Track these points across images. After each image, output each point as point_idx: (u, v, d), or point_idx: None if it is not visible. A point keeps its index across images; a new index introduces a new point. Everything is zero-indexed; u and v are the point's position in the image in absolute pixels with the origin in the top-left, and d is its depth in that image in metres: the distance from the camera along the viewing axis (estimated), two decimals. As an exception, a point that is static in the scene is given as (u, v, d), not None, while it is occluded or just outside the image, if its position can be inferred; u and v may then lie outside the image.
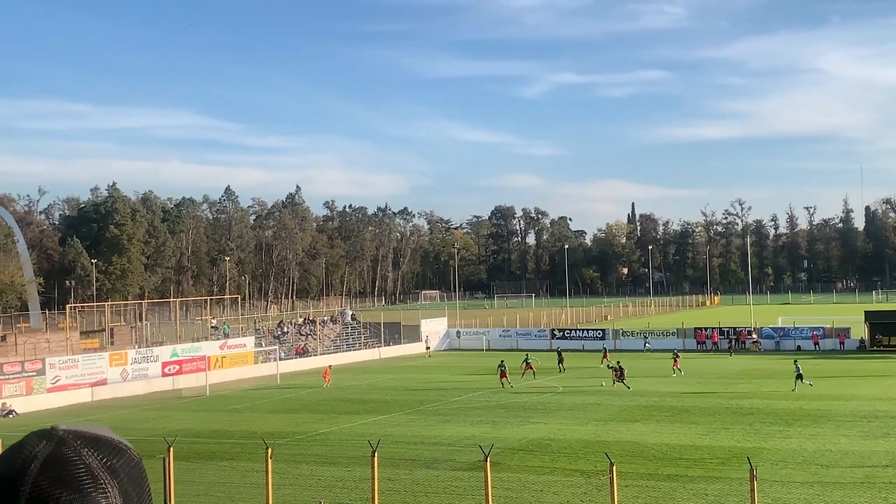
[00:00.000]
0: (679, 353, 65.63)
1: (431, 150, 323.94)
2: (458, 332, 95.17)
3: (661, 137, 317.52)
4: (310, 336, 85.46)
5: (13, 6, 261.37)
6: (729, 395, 51.42)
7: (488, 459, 22.89)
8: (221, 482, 32.79)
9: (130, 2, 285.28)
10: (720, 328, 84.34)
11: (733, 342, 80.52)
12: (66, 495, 1.61)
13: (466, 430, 42.16)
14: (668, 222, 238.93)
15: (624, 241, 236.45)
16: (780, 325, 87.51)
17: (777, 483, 29.36)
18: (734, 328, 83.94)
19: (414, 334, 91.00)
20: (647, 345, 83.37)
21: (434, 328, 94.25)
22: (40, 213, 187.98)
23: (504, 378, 58.19)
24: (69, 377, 61.47)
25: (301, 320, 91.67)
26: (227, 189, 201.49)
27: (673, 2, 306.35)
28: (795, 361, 55.15)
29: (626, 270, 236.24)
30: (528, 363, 62.28)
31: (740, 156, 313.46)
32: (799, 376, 52.35)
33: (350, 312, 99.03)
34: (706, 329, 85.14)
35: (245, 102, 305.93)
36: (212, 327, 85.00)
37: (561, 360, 67.29)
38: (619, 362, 59.56)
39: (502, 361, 60.81)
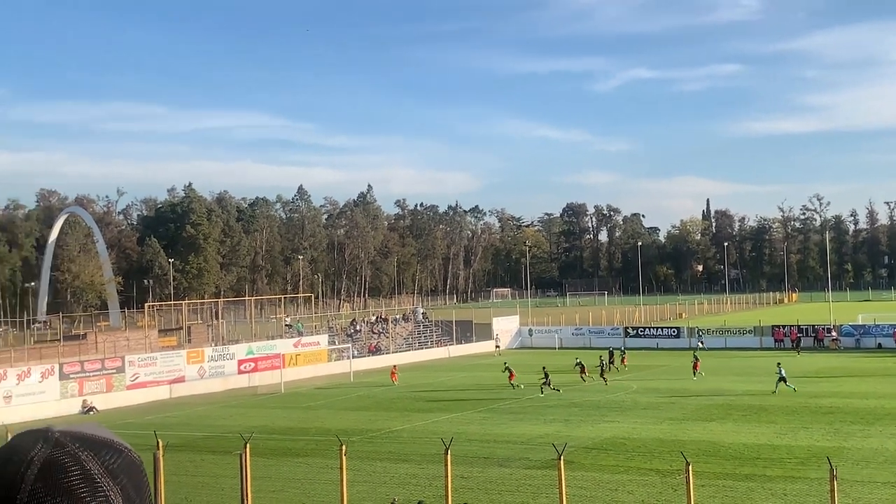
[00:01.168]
0: (699, 356, 62.49)
1: (503, 148, 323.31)
2: (529, 331, 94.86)
3: (737, 132, 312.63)
4: (382, 334, 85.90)
5: (94, 17, 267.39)
6: (808, 394, 50.43)
7: (562, 458, 22.73)
8: (297, 478, 33.11)
9: (204, 9, 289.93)
10: (798, 326, 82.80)
11: (798, 341, 78.07)
12: (70, 500, 1.54)
13: (539, 429, 41.99)
14: (744, 218, 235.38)
15: (699, 237, 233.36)
16: (860, 323, 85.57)
17: (858, 483, 28.73)
18: (812, 326, 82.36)
19: (485, 332, 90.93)
20: (701, 343, 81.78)
21: (505, 326, 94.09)
22: (119, 213, 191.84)
23: (511, 379, 57.29)
24: (148, 374, 62.62)
25: (373, 318, 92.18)
26: (300, 188, 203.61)
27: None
28: (778, 364, 53.77)
29: (701, 268, 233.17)
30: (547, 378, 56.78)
31: (818, 150, 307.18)
32: (781, 378, 51.30)
33: (422, 311, 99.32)
34: (784, 327, 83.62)
35: (318, 103, 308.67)
36: (286, 325, 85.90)
37: (611, 361, 64.49)
38: (505, 363, 60.29)
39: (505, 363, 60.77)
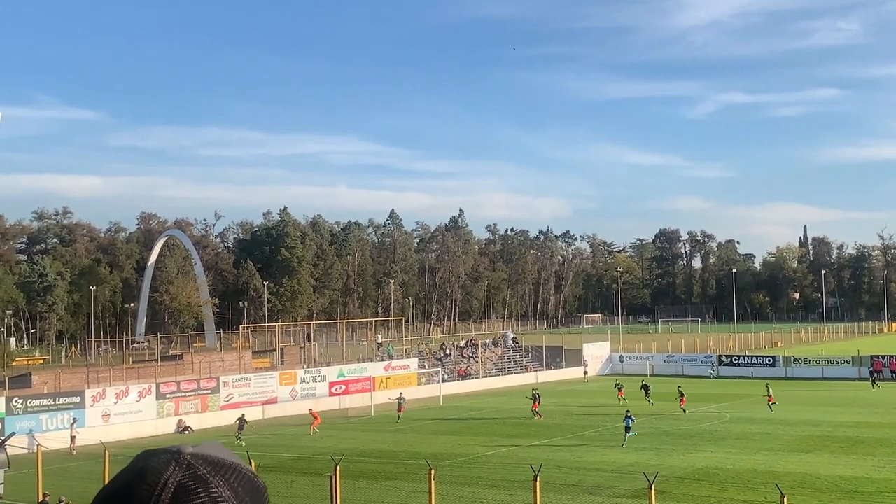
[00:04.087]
0: (770, 387, 58.61)
1: (595, 173, 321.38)
2: (620, 357, 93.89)
3: (836, 158, 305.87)
4: (472, 358, 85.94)
5: (192, 41, 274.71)
6: (909, 427, 48.86)
7: (653, 487, 22.47)
8: (386, 501, 33.31)
9: (298, 36, 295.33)
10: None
11: (873, 374, 74.04)
12: None
13: (630, 457, 41.51)
14: (842, 246, 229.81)
15: (795, 265, 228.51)
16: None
17: (963, 521, 27.72)
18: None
19: (575, 358, 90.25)
20: (712, 371, 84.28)
21: (596, 352, 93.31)
22: (216, 236, 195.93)
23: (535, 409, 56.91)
24: (242, 395, 63.67)
25: (463, 342, 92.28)
26: (392, 213, 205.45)
27: (847, 18, 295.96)
28: (767, 384, 53.87)
29: (797, 295, 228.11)
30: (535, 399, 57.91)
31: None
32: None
33: (511, 335, 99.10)
34: (884, 357, 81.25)
35: (410, 128, 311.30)
36: (377, 344, 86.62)
37: (647, 393, 62.44)
38: (534, 389, 60.20)
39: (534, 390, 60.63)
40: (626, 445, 44.12)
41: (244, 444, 47.23)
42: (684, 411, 56.70)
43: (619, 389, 63.35)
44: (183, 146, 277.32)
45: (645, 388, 63.02)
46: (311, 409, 59.07)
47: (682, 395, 58.13)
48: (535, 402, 57.57)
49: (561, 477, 36.01)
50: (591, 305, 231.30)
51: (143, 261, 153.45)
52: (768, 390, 58.13)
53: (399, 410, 58.04)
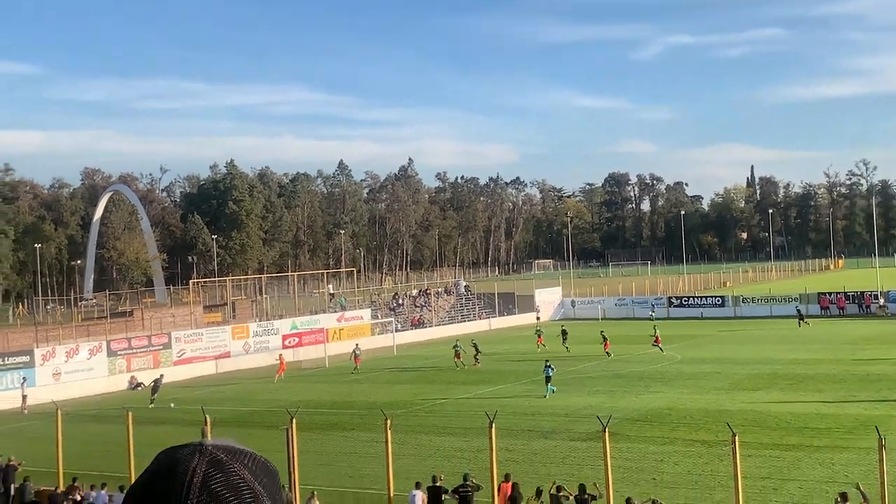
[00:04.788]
0: (606, 335, 59.01)
1: (543, 119, 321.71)
2: (572, 302, 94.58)
3: (781, 98, 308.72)
4: (424, 307, 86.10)
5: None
6: (855, 362, 49.88)
7: (606, 430, 22.67)
8: (343, 452, 33.37)
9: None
10: (844, 292, 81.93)
11: (799, 313, 73.25)
12: (234, 503, 1.72)
13: (583, 400, 41.94)
14: (788, 185, 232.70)
15: (743, 205, 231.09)
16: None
17: (908, 453, 28.32)
18: (860, 293, 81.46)
19: (528, 304, 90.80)
20: (652, 314, 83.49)
21: (548, 298, 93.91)
22: (162, 191, 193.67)
23: (458, 359, 56.35)
24: (194, 350, 63.29)
25: (416, 292, 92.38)
26: (341, 163, 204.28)
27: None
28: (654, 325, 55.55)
29: (745, 235, 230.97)
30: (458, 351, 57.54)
31: (864, 114, 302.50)
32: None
33: (464, 283, 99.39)
34: (830, 294, 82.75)
35: (357, 77, 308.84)
36: (329, 294, 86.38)
37: (565, 338, 61.36)
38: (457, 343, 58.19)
39: (457, 342, 58.96)
40: (549, 395, 43.14)
41: (151, 405, 46.13)
42: (608, 355, 56.77)
43: (539, 336, 63.36)
44: (125, 99, 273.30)
45: (563, 333, 62.41)
46: (280, 355, 59.51)
47: (606, 339, 57.84)
48: (457, 355, 56.58)
49: (516, 422, 36.21)
50: (542, 251, 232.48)
51: (88, 217, 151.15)
52: (655, 331, 59.02)
53: (356, 361, 57.89)
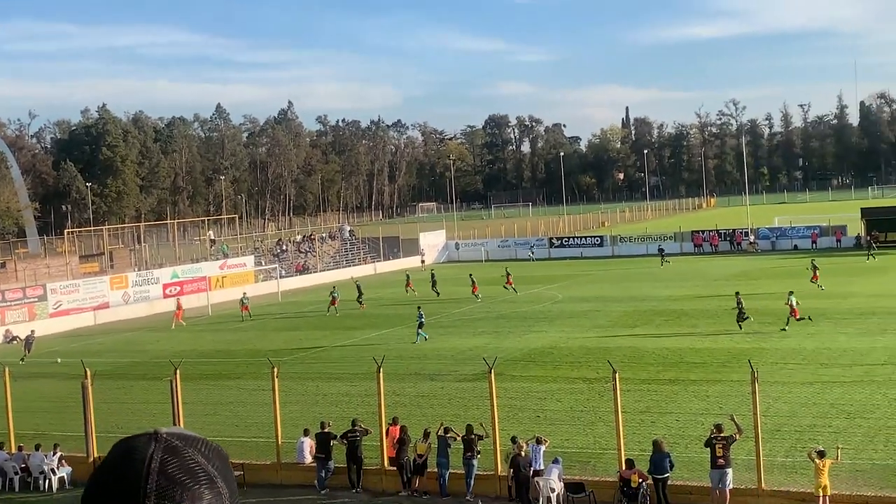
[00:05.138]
0: (510, 272, 60.70)
1: (423, 61, 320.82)
2: (456, 245, 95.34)
3: (654, 39, 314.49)
4: (309, 253, 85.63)
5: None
6: (727, 297, 51.48)
7: (492, 371, 23.12)
8: (228, 402, 33.22)
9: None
10: (717, 230, 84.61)
11: (661, 252, 75.56)
12: (191, 486, 1.81)
13: (469, 342, 42.56)
14: (662, 125, 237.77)
15: (619, 146, 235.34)
16: (776, 226, 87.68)
17: (777, 384, 29.70)
18: (732, 230, 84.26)
19: (413, 248, 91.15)
20: (531, 254, 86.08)
21: (432, 241, 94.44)
22: (31, 136, 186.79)
23: (333, 305, 56.18)
24: (71, 302, 61.74)
25: (300, 237, 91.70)
26: (219, 107, 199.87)
27: None
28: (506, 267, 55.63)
29: (622, 176, 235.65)
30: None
31: (734, 55, 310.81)
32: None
33: (348, 228, 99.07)
34: (703, 232, 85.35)
35: (232, 17, 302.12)
36: (210, 241, 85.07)
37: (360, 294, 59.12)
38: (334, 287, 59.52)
39: (334, 288, 59.46)
40: (420, 341, 42.98)
41: (22, 362, 43.75)
42: (477, 297, 57.58)
43: (408, 280, 63.71)
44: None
45: (432, 277, 63.15)
46: (178, 300, 59.60)
47: (474, 282, 58.37)
48: (333, 301, 56.36)
49: (403, 365, 36.60)
50: (425, 194, 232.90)
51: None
52: (507, 273, 60.15)
53: (244, 310, 57.01)
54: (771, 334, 39.43)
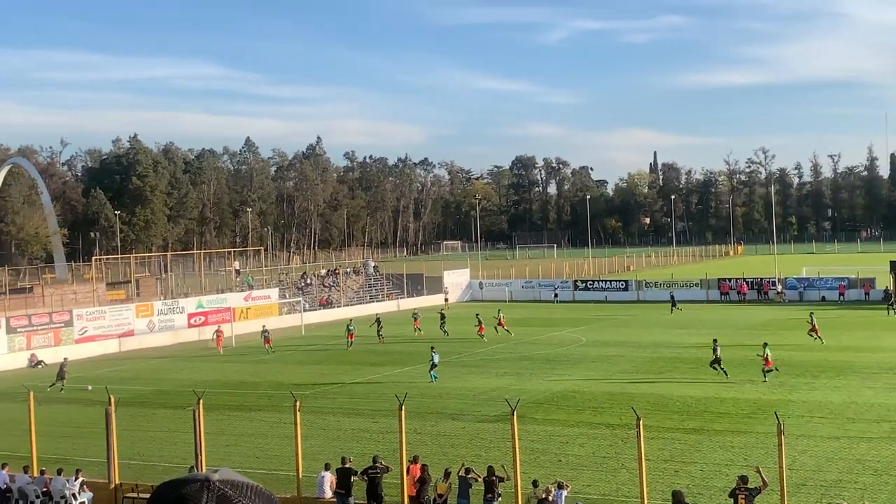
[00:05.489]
0: (502, 313, 61.92)
1: (450, 100, 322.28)
2: (480, 284, 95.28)
3: (684, 84, 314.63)
4: (333, 287, 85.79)
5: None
6: (754, 347, 51.12)
7: (515, 413, 22.99)
8: (250, 433, 33.17)
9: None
10: (744, 278, 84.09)
11: (672, 299, 74.85)
12: None
13: (491, 383, 42.38)
14: (690, 171, 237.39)
15: (646, 190, 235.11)
16: (804, 276, 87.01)
17: (803, 437, 29.38)
18: (759, 279, 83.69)
19: (436, 285, 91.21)
20: (556, 296, 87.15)
21: (456, 279, 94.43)
22: (63, 164, 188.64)
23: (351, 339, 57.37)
24: (96, 328, 62.05)
25: (324, 272, 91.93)
26: (248, 140, 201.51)
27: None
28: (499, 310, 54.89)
29: (648, 220, 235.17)
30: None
31: (764, 103, 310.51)
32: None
33: (373, 264, 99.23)
34: (730, 280, 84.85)
35: (264, 52, 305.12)
36: (235, 271, 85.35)
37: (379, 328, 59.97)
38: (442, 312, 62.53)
39: (350, 321, 61.35)
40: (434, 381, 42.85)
41: (52, 389, 43.60)
42: (508, 332, 58.99)
43: (416, 319, 63.75)
44: (23, 70, 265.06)
45: (441, 316, 63.32)
46: (219, 328, 60.96)
47: (480, 322, 58.33)
48: (350, 335, 57.45)
49: (424, 403, 36.52)
50: (450, 232, 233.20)
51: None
52: (499, 314, 61.08)
53: (266, 343, 57.10)
54: (798, 386, 39.05)
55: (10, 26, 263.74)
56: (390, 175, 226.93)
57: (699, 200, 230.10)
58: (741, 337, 54.96)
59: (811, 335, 51.38)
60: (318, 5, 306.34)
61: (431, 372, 43.56)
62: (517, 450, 23.12)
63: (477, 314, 60.82)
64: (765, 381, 40.02)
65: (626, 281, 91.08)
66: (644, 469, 21.54)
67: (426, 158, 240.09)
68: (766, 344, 42.07)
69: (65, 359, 49.59)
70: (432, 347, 46.24)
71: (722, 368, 41.12)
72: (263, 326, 59.54)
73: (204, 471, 1.91)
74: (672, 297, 75.55)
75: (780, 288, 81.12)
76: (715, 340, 43.31)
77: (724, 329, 60.47)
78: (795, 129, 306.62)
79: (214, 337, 60.57)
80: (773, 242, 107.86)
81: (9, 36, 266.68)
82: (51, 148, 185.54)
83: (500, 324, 59.85)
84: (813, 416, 33.09)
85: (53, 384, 44.65)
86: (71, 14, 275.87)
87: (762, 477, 20.89)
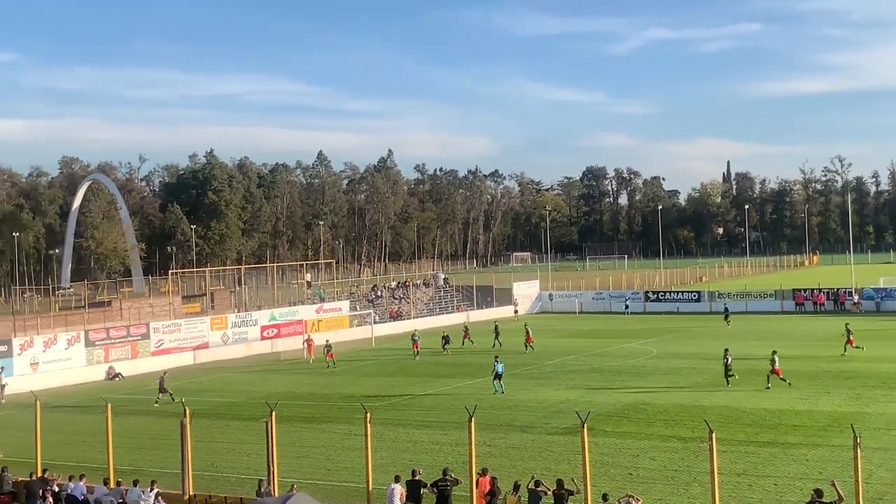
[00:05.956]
0: (529, 329, 60.68)
1: (521, 111, 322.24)
2: (550, 295, 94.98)
3: (758, 93, 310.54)
4: (403, 300, 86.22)
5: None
6: (829, 359, 50.42)
7: (585, 425, 22.87)
8: (321, 445, 33.45)
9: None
10: (819, 288, 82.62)
11: (726, 311, 74.58)
12: None
13: (561, 395, 42.21)
14: (764, 180, 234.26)
15: (719, 200, 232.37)
16: (881, 286, 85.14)
17: (880, 450, 28.76)
18: (835, 289, 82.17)
19: (506, 297, 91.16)
20: (626, 307, 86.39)
21: (525, 291, 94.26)
22: (141, 180, 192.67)
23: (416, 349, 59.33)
24: (172, 341, 63.17)
25: (394, 284, 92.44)
26: (320, 154, 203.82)
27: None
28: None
29: (721, 230, 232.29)
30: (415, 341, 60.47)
31: (841, 110, 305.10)
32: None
33: (442, 276, 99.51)
34: (805, 290, 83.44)
35: (336, 67, 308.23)
36: (307, 283, 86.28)
37: (497, 335, 62.53)
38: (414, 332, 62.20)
39: (415, 332, 62.94)
40: (499, 392, 42.76)
41: (174, 399, 44.15)
42: (532, 348, 58.84)
43: (466, 332, 64.35)
44: (102, 87, 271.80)
45: (496, 329, 63.61)
46: (309, 337, 62.42)
47: (528, 332, 59.70)
48: (415, 344, 59.37)
49: (494, 416, 36.52)
50: (520, 244, 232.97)
51: (66, 206, 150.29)
52: (527, 329, 60.21)
53: (328, 356, 57.18)
54: (875, 398, 38.23)
55: (93, 45, 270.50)
56: (460, 187, 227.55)
57: (773, 210, 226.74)
58: (816, 349, 53.98)
59: (847, 347, 51.17)
60: (390, 20, 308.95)
61: (494, 382, 43.55)
62: (587, 463, 22.97)
63: (525, 324, 62.14)
64: (768, 387, 41.12)
65: (698, 292, 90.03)
66: (717, 483, 21.26)
67: (496, 170, 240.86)
68: (774, 352, 43.31)
69: (164, 372, 49.18)
70: (496, 357, 46.22)
71: (770, 378, 41.93)
72: (327, 341, 59.84)
73: (277, 496, 1.98)
74: (726, 309, 75.27)
75: (856, 298, 79.56)
76: (726, 350, 44.81)
77: (799, 340, 59.59)
78: (873, 137, 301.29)
79: (305, 345, 62.07)
80: (849, 252, 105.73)
81: (92, 54, 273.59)
82: (129, 164, 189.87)
83: (528, 340, 59.62)
84: (890, 428, 32.36)
85: (158, 399, 44.79)
86: (148, 31, 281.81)
87: (838, 491, 20.49)
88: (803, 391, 40.62)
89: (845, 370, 46.18)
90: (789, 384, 41.16)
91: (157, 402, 44.70)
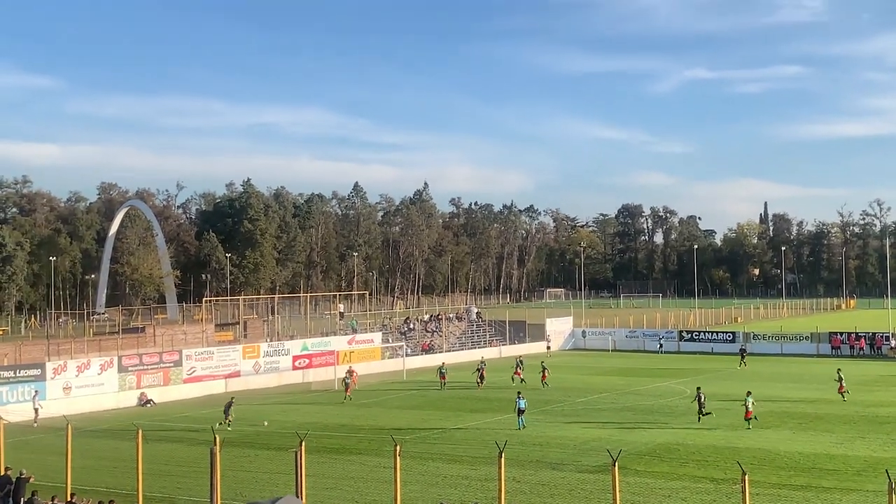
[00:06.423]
0: (546, 366, 61.79)
1: (559, 148, 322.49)
2: (583, 332, 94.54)
3: (797, 135, 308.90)
4: (435, 333, 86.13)
5: (151, 9, 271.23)
6: (866, 403, 49.74)
7: (616, 463, 22.65)
8: (350, 476, 33.37)
9: (255, 3, 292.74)
10: (856, 332, 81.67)
11: (742, 352, 74.19)
12: None
13: (592, 432, 41.89)
14: (802, 222, 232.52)
15: (755, 241, 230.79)
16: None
17: (917, 497, 28.20)
18: (871, 333, 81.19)
19: (538, 333, 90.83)
20: (660, 346, 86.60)
21: (559, 327, 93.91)
22: (178, 207, 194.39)
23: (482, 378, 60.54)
24: (204, 368, 63.40)
25: (427, 317, 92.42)
26: (356, 185, 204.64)
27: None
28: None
29: (757, 271, 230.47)
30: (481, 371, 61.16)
31: (880, 154, 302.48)
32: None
33: (475, 310, 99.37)
34: (842, 334, 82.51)
35: (374, 100, 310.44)
36: (339, 313, 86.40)
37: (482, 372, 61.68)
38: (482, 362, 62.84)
39: (443, 364, 64.35)
40: (521, 427, 42.82)
41: (229, 427, 44.92)
42: (547, 385, 59.46)
43: (518, 368, 62.56)
44: (142, 115, 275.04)
45: (519, 363, 63.58)
46: (351, 368, 61.03)
47: (545, 369, 60.96)
48: (442, 377, 61.13)
49: (524, 452, 36.30)
50: (553, 280, 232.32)
51: (103, 231, 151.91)
52: (543, 367, 61.16)
53: (347, 390, 56.66)
54: (912, 445, 37.61)
55: (134, 72, 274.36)
56: (495, 221, 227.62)
57: (810, 252, 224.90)
58: (852, 392, 53.16)
59: (841, 394, 50.73)
60: (429, 54, 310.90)
61: (519, 417, 43.53)
62: (618, 502, 22.75)
63: (542, 362, 63.48)
64: (748, 428, 41.70)
65: (733, 332, 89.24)
66: (748, 526, 20.98)
67: (532, 205, 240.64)
68: (749, 393, 44.04)
69: (232, 398, 49.18)
70: (518, 393, 46.13)
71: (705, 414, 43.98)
72: (347, 370, 59.43)
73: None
74: (742, 350, 75.15)
75: (893, 343, 78.57)
76: (698, 388, 46.09)
77: (834, 384, 58.71)
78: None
79: (345, 382, 57.73)
80: (887, 296, 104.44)
81: (133, 82, 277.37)
82: (167, 191, 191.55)
83: (542, 377, 60.10)
84: (928, 476, 31.77)
85: (222, 423, 45.00)
86: (189, 62, 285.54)
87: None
88: (838, 435, 40.07)
89: (881, 415, 45.53)
90: (749, 427, 41.98)
91: (223, 424, 44.96)
